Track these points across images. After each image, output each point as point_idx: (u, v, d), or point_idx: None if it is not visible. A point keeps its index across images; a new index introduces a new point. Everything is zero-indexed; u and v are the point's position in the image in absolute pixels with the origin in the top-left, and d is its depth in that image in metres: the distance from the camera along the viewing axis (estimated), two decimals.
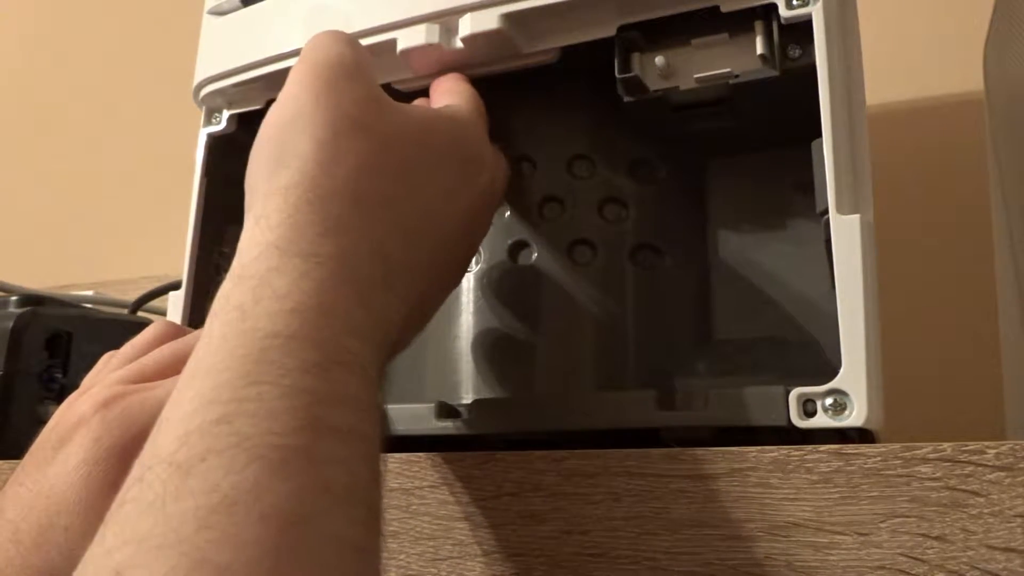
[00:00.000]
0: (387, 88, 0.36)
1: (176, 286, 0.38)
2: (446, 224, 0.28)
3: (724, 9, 0.31)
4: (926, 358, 0.49)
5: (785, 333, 0.33)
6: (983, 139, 0.42)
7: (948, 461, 0.22)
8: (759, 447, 0.24)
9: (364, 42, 0.35)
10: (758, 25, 0.31)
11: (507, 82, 0.35)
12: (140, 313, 0.53)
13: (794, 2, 0.29)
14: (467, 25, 0.33)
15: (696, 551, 0.23)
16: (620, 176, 0.35)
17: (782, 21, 0.30)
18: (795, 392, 0.26)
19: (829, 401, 0.26)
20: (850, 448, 0.23)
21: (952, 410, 0.48)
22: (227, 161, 0.40)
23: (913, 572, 0.21)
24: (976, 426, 0.46)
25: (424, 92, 0.36)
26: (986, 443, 0.21)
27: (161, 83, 0.83)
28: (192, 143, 0.39)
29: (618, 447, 0.25)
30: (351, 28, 0.35)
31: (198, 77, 0.39)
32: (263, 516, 0.18)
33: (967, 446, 0.22)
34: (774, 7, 0.30)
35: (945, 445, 0.22)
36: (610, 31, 0.32)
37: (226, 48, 0.38)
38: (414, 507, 0.27)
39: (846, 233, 0.27)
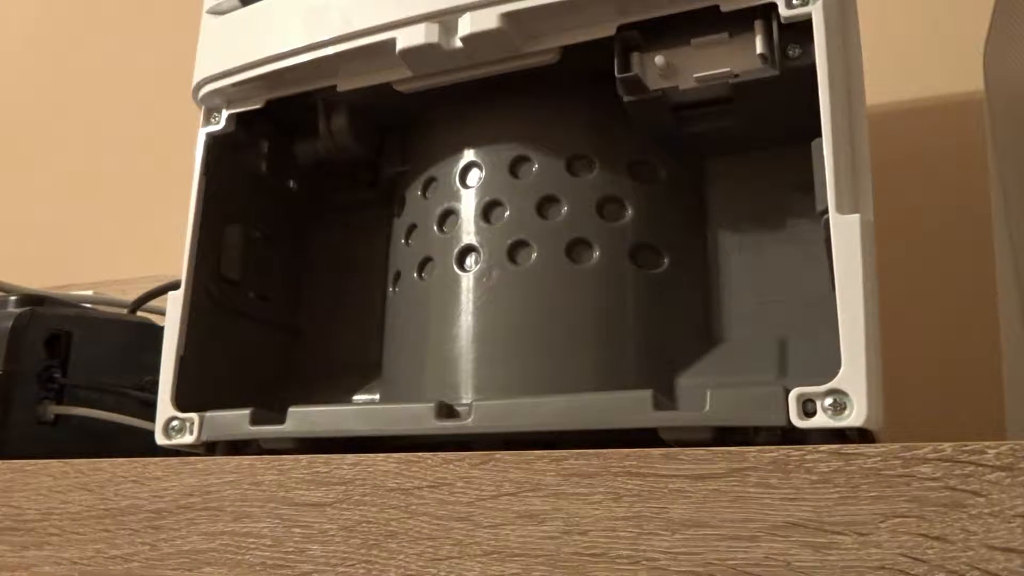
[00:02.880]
0: (387, 88, 0.36)
1: (175, 286, 0.38)
2: None
3: (724, 9, 0.31)
4: (926, 358, 0.49)
5: (784, 333, 0.33)
6: (983, 139, 0.42)
7: (948, 461, 0.22)
8: (759, 447, 0.24)
9: (363, 41, 0.35)
10: (758, 25, 0.31)
11: (507, 82, 0.35)
12: (140, 313, 0.53)
13: (794, 1, 0.29)
14: (467, 24, 0.33)
15: (696, 551, 0.23)
16: (620, 176, 0.35)
17: (782, 20, 0.30)
18: (795, 392, 0.26)
19: (829, 401, 0.26)
20: (850, 448, 0.23)
21: (952, 410, 0.48)
22: (226, 161, 0.40)
23: (913, 572, 0.21)
24: (976, 426, 0.46)
25: (424, 93, 0.36)
26: (986, 443, 0.21)
27: (160, 83, 0.83)
28: (191, 143, 0.39)
29: (618, 447, 0.25)
30: (351, 28, 0.35)
31: (197, 76, 0.39)
32: None
33: (967, 446, 0.22)
34: (774, 6, 0.30)
35: (945, 445, 0.22)
36: (610, 31, 0.32)
37: (225, 47, 0.38)
38: (414, 507, 0.27)
39: (846, 233, 0.27)
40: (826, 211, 0.27)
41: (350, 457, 0.28)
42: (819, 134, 0.28)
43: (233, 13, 0.39)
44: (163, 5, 0.86)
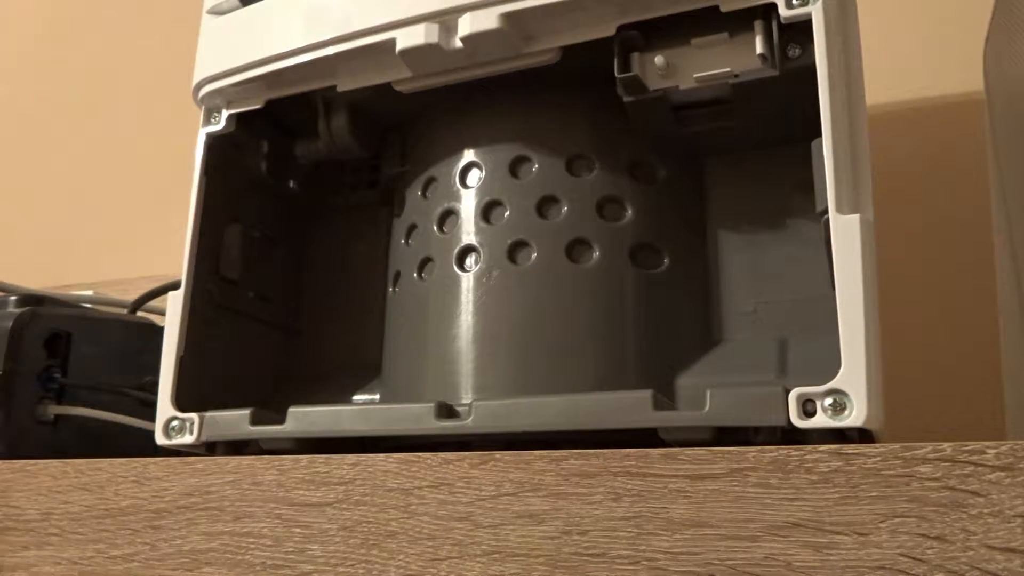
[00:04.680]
0: (387, 88, 0.36)
1: (175, 286, 0.38)
2: None
3: (724, 9, 0.31)
4: (926, 358, 0.49)
5: (784, 333, 0.33)
6: (983, 139, 0.42)
7: (948, 461, 0.22)
8: (759, 447, 0.24)
9: (363, 42, 0.35)
10: (758, 25, 0.31)
11: (507, 82, 0.35)
12: (140, 313, 0.53)
13: (794, 2, 0.29)
14: (466, 25, 0.33)
15: (696, 551, 0.23)
16: (620, 176, 0.35)
17: (782, 21, 0.30)
18: (795, 392, 0.26)
19: (829, 401, 0.26)
20: (850, 448, 0.23)
21: (952, 410, 0.48)
22: (226, 161, 0.40)
23: (913, 572, 0.21)
24: (976, 426, 0.46)
25: (423, 93, 0.36)
26: (986, 443, 0.21)
27: (161, 83, 0.83)
28: (191, 143, 0.39)
29: (618, 447, 0.25)
30: (350, 28, 0.35)
31: (197, 77, 0.39)
32: None
33: (967, 446, 0.22)
34: (774, 7, 0.30)
35: (945, 445, 0.22)
36: (610, 31, 0.32)
37: (225, 48, 0.38)
38: (413, 507, 0.27)
39: (846, 233, 0.27)
40: (826, 211, 0.27)
41: (350, 457, 0.28)
42: (819, 134, 0.28)
43: (233, 13, 0.39)
44: (163, 5, 0.86)
